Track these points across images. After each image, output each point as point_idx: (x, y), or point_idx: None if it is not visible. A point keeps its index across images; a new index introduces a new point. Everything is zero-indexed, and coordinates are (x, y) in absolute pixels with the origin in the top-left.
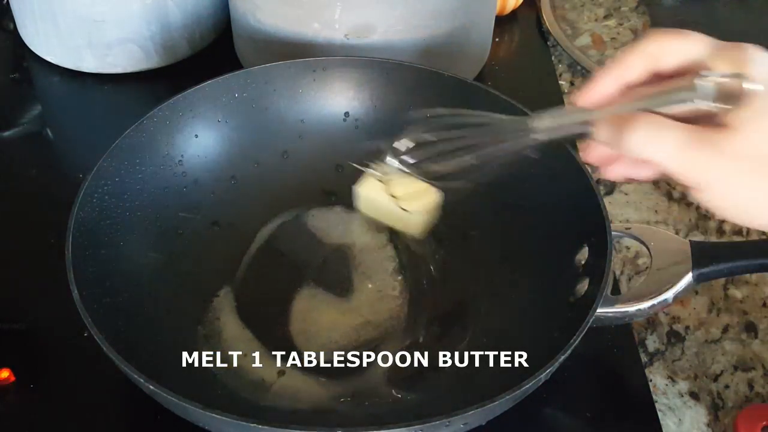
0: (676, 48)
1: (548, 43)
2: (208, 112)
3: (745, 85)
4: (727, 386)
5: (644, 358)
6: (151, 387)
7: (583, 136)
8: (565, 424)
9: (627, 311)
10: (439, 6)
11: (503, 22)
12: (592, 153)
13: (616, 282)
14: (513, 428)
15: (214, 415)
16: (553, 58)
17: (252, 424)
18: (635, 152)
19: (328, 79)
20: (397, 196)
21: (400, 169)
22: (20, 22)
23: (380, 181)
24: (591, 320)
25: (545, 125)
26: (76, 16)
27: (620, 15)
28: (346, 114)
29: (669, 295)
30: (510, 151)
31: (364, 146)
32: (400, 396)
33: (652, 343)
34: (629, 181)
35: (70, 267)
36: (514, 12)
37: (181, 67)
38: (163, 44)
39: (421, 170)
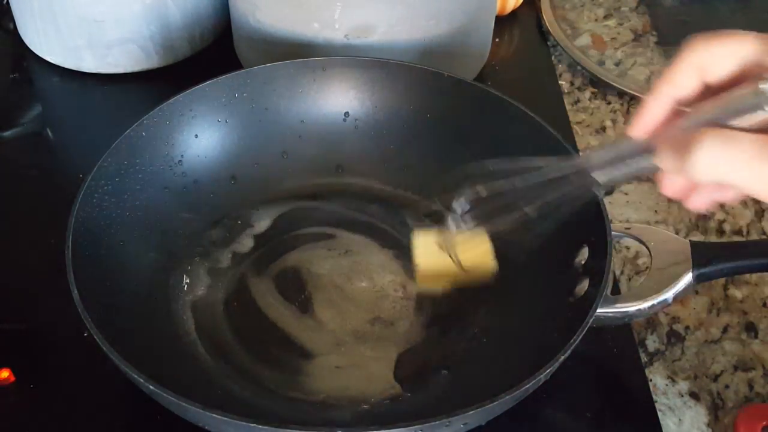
0: (724, 53)
1: (548, 43)
2: (208, 112)
3: None
4: (727, 386)
5: (644, 358)
6: (151, 387)
7: (649, 170)
8: (565, 424)
9: (627, 311)
10: (439, 6)
11: (503, 22)
12: (666, 186)
13: (616, 282)
14: (513, 428)
15: (214, 415)
16: (553, 58)
17: (252, 424)
18: (705, 175)
19: (328, 79)
20: (458, 255)
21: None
22: (20, 22)
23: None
24: (591, 320)
25: (602, 161)
26: (76, 16)
27: (620, 15)
28: (346, 114)
29: (669, 295)
30: (572, 197)
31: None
32: (400, 396)
33: (652, 343)
34: (715, 203)
35: (70, 267)
36: (514, 12)
37: (181, 67)
38: (163, 44)
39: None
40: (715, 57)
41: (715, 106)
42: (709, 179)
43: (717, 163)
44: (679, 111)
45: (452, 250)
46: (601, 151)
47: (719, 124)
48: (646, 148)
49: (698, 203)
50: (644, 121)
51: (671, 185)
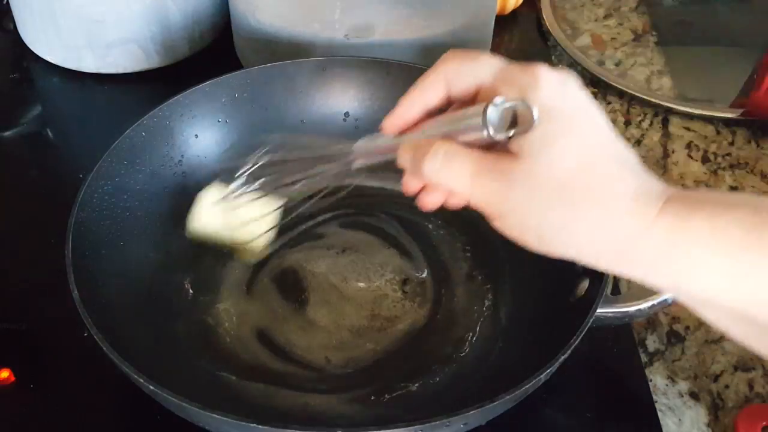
0: (467, 72)
1: (548, 43)
2: (208, 112)
3: (531, 109)
4: (727, 386)
5: (644, 358)
6: (151, 387)
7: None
8: (565, 424)
9: (627, 311)
10: (439, 6)
11: (503, 22)
12: (405, 183)
13: (616, 282)
14: (513, 428)
15: (214, 415)
16: (553, 58)
17: (252, 424)
18: (432, 180)
19: (328, 79)
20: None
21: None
22: (20, 22)
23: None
24: (591, 320)
25: (361, 150)
26: (76, 16)
27: (620, 15)
28: (346, 114)
29: (669, 295)
30: (336, 173)
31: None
32: (400, 396)
33: (652, 343)
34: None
35: (70, 267)
36: (514, 12)
37: (181, 67)
38: (163, 44)
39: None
40: (461, 73)
41: (450, 119)
42: (436, 183)
43: (442, 173)
44: (426, 117)
45: (231, 214)
46: (364, 140)
47: (453, 135)
48: (395, 146)
49: (427, 202)
50: (394, 119)
51: (409, 184)
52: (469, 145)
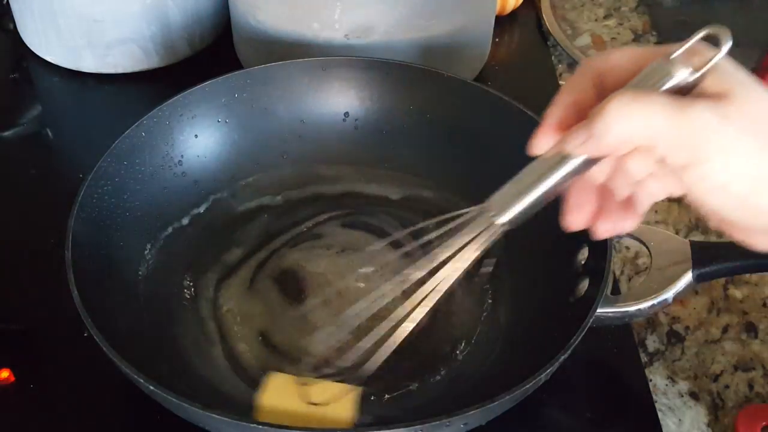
0: (620, 58)
1: (548, 43)
2: (208, 112)
3: (723, 38)
4: (727, 386)
5: (644, 358)
6: (151, 387)
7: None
8: (565, 424)
9: (627, 311)
10: (439, 6)
11: (503, 22)
12: (570, 217)
13: (616, 282)
14: (513, 428)
15: (214, 415)
16: (553, 58)
17: (252, 424)
18: (619, 136)
19: (328, 79)
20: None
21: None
22: (20, 22)
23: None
24: (591, 320)
25: (500, 203)
26: (76, 16)
27: (620, 15)
28: (346, 114)
29: (669, 295)
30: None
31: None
32: (400, 396)
33: (652, 343)
34: (617, 235)
35: (70, 267)
36: (514, 12)
37: (181, 67)
38: (163, 44)
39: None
40: (612, 63)
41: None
42: (624, 140)
43: (630, 120)
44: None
45: (306, 396)
46: (500, 191)
47: None
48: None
49: (602, 231)
50: (546, 126)
51: (574, 215)
52: None
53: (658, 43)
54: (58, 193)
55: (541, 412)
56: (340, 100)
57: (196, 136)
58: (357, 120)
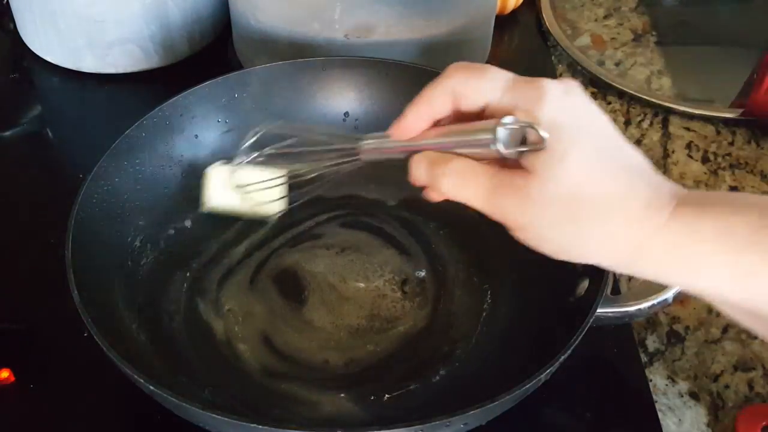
0: (473, 87)
1: (548, 43)
2: (208, 112)
3: (540, 132)
4: (727, 386)
5: (644, 358)
6: (151, 387)
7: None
8: (565, 424)
9: (627, 311)
10: (439, 6)
11: (503, 22)
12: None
13: (616, 282)
14: (513, 428)
15: (214, 415)
16: (553, 58)
17: (252, 424)
18: (449, 196)
19: (328, 79)
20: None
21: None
22: (20, 22)
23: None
24: (591, 320)
25: (369, 147)
26: (76, 16)
27: (620, 15)
28: (346, 114)
29: (669, 295)
30: (340, 166)
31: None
32: (400, 396)
33: (652, 343)
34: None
35: (70, 267)
36: (514, 12)
37: (181, 67)
38: (163, 44)
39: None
40: (467, 89)
41: (460, 132)
42: (453, 199)
43: (458, 190)
44: (434, 125)
45: (240, 186)
46: (371, 139)
47: (463, 147)
48: (403, 150)
49: (432, 198)
50: (403, 127)
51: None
52: (480, 157)
53: (658, 43)
54: (58, 193)
55: (541, 412)
56: (340, 100)
57: (196, 136)
58: (357, 120)
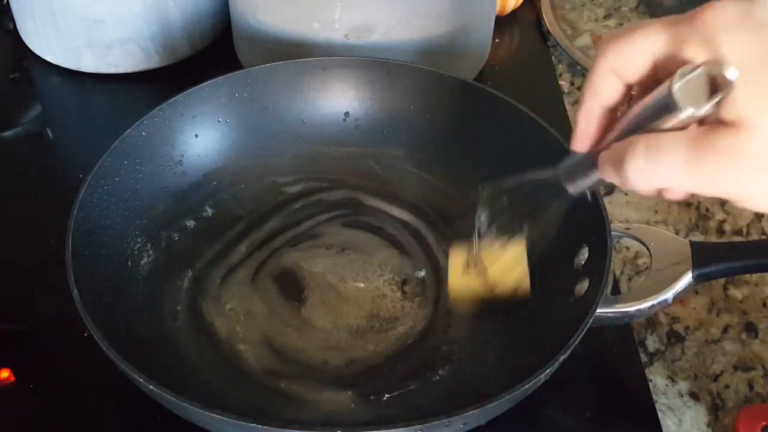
0: (633, 53)
1: (548, 43)
2: (208, 112)
3: (725, 71)
4: (727, 386)
5: (644, 358)
6: (151, 387)
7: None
8: (565, 424)
9: (627, 311)
10: (439, 6)
11: (503, 22)
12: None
13: (616, 282)
14: (513, 428)
15: (214, 415)
16: (553, 58)
17: (252, 424)
18: (643, 184)
19: (328, 79)
20: (489, 269)
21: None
22: (20, 22)
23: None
24: (591, 320)
25: (570, 176)
26: (76, 16)
27: (620, 15)
28: (346, 114)
29: (669, 295)
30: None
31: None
32: (400, 395)
33: (652, 343)
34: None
35: (70, 267)
36: (514, 12)
37: (181, 67)
38: (163, 44)
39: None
40: (627, 58)
41: (637, 112)
42: (648, 189)
43: (649, 174)
44: (611, 116)
45: (482, 268)
46: (565, 163)
47: (650, 126)
48: (592, 161)
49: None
50: (580, 135)
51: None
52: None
53: None
54: (58, 193)
55: (541, 412)
56: (340, 100)
57: (196, 136)
58: (357, 120)
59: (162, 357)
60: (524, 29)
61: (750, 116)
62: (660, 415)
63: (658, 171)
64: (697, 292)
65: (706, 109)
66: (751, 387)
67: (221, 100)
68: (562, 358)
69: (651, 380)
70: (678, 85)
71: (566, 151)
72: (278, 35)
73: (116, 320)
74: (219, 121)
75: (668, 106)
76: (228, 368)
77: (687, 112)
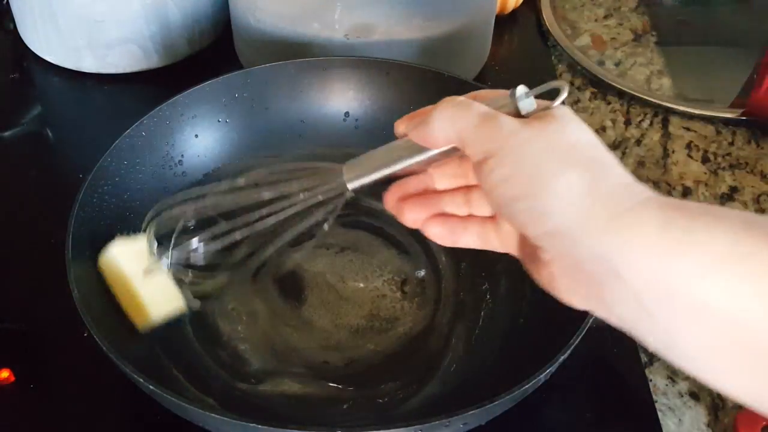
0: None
1: (548, 43)
2: (208, 112)
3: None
4: None
5: (644, 358)
6: (151, 387)
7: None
8: (565, 424)
9: None
10: (439, 6)
11: (503, 22)
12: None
13: None
14: (513, 428)
15: (214, 415)
16: (553, 58)
17: (252, 424)
18: (439, 135)
19: (328, 79)
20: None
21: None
22: (20, 22)
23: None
24: (591, 320)
25: (354, 170)
26: (76, 16)
27: (620, 15)
28: (346, 114)
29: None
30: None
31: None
32: (400, 396)
33: None
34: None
35: (70, 267)
36: (514, 12)
37: (181, 67)
38: (163, 44)
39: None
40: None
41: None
42: (443, 139)
43: (448, 124)
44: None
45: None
46: (353, 160)
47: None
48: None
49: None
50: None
51: (437, 227)
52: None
53: (658, 43)
54: (58, 193)
55: (541, 412)
56: (340, 100)
57: (196, 136)
58: (357, 120)
59: (162, 357)
60: (524, 29)
61: (547, 116)
62: (660, 415)
63: (454, 124)
64: None
65: (528, 107)
66: None
67: (221, 100)
68: (562, 358)
69: (651, 380)
70: (520, 88)
71: None
72: (278, 35)
73: (116, 320)
74: (219, 121)
75: (502, 101)
76: (226, 368)
77: (520, 107)
